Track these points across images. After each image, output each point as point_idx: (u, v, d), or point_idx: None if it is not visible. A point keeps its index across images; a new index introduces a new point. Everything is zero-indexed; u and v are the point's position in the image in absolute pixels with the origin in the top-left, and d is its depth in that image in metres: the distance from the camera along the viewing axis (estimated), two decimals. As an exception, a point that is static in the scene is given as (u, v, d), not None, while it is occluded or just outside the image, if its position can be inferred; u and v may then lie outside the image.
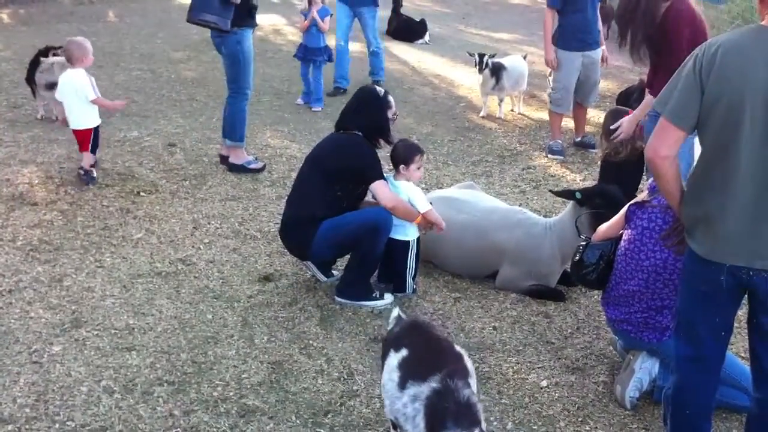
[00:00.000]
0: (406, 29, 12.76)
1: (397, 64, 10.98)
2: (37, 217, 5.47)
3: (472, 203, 4.97)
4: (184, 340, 4.04)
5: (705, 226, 2.75)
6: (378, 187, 4.40)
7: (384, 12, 12.99)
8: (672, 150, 2.75)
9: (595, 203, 4.43)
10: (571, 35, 6.88)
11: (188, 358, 3.89)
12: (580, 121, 7.46)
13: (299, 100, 8.64)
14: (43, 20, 13.10)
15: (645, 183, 5.05)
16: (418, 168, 4.56)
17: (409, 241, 4.56)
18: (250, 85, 6.32)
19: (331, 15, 8.46)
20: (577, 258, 3.75)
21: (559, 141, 7.24)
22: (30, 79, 7.54)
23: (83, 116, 6.12)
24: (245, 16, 6.06)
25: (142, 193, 5.96)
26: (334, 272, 4.73)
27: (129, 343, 4.00)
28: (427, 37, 12.71)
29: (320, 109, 8.37)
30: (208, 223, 5.50)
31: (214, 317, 4.28)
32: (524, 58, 8.68)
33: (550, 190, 5.36)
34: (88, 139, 6.14)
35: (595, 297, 4.59)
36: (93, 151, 6.20)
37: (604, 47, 7.19)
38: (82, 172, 6.11)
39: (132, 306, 4.37)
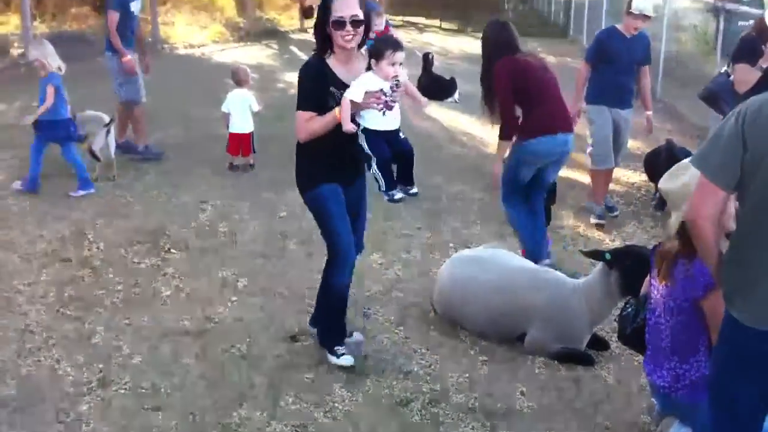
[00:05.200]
0: (436, 88, 12.84)
1: (426, 122, 11.07)
2: (68, 274, 5.54)
3: (500, 263, 4.96)
4: (210, 401, 4.03)
5: (747, 291, 2.66)
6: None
7: (414, 71, 13.18)
8: (715, 210, 2.68)
9: (624, 264, 4.38)
10: (601, 91, 6.85)
11: (213, 419, 3.88)
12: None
13: (16, 184, 7.33)
14: (80, 78, 13.41)
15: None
16: (392, 64, 4.04)
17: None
18: None
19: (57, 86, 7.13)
20: (619, 315, 3.76)
21: (603, 206, 7.00)
22: None
23: (246, 123, 8.21)
24: None
25: (172, 250, 6.03)
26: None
27: (155, 403, 4.00)
28: (456, 96, 12.80)
29: (84, 193, 7.22)
30: (237, 281, 5.53)
31: (240, 378, 4.27)
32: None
33: (579, 251, 5.32)
34: (249, 141, 8.22)
35: (625, 362, 4.52)
36: (254, 150, 8.28)
37: (650, 113, 7.09)
38: (250, 166, 8.27)
39: (159, 365, 4.38)
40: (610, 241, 6.49)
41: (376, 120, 4.08)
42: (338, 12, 3.96)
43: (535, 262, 5.26)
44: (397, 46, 4.06)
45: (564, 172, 8.47)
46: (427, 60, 13.13)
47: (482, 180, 8.22)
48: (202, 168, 8.31)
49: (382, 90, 3.98)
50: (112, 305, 5.09)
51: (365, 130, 4.15)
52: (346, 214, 4.29)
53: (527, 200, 5.73)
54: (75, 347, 4.54)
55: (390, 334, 4.84)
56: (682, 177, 3.22)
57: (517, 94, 5.35)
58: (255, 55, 17.24)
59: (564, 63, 17.86)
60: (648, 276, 3.74)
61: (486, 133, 10.31)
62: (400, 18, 25.12)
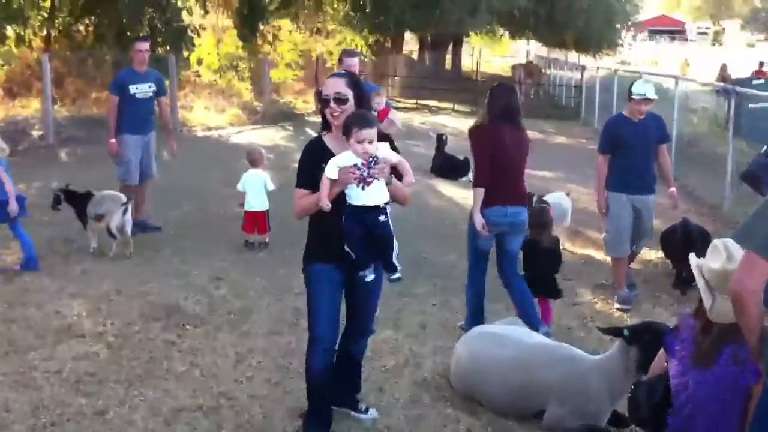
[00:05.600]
0: (450, 167, 13.03)
1: (440, 201, 11.15)
2: (83, 349, 5.52)
3: (517, 339, 4.91)
4: (223, 478, 3.96)
5: None
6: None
7: (428, 150, 13.37)
8: (760, 284, 2.68)
9: (643, 340, 4.33)
10: (620, 178, 6.82)
11: (226, 496, 3.80)
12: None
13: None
14: (99, 159, 13.63)
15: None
16: (359, 142, 3.94)
17: (379, 207, 4.05)
18: None
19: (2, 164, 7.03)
20: (629, 396, 3.69)
21: (626, 290, 6.88)
22: (81, 213, 7.87)
23: (261, 201, 8.31)
24: None
25: (187, 326, 6.02)
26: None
27: (167, 479, 3.93)
28: (470, 175, 12.92)
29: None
30: (251, 357, 5.50)
31: (253, 454, 4.21)
32: (567, 195, 8.79)
33: (597, 327, 5.27)
34: (264, 219, 8.31)
35: (647, 439, 4.42)
36: (269, 228, 8.35)
37: (673, 189, 7.07)
38: (264, 244, 8.35)
39: (172, 441, 4.32)
40: (628, 318, 6.44)
41: (357, 196, 4.01)
42: (325, 91, 4.12)
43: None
44: (362, 123, 3.96)
45: (581, 249, 8.51)
46: (440, 140, 13.36)
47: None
48: (218, 245, 8.36)
49: (356, 165, 3.96)
50: (126, 381, 5.06)
51: (348, 206, 4.05)
52: (333, 296, 4.26)
53: (499, 272, 6.01)
54: (89, 423, 4.50)
55: (406, 411, 4.77)
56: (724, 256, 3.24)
57: (492, 157, 5.68)
58: (271, 136, 17.53)
59: (578, 144, 18.10)
60: (657, 355, 3.70)
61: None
62: (413, 101, 25.57)
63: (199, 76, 22.32)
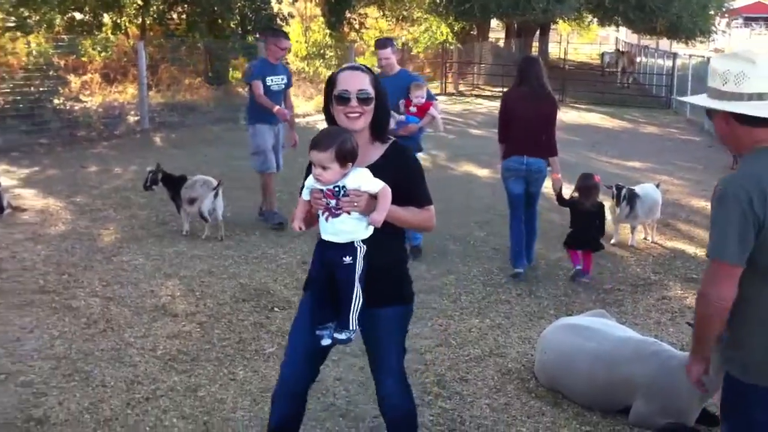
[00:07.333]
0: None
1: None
2: (176, 328, 5.72)
3: (603, 332, 4.85)
4: (310, 458, 4.06)
5: None
6: None
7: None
8: (735, 291, 2.75)
9: (735, 338, 4.23)
10: None
11: (313, 476, 3.90)
12: None
13: None
14: (192, 144, 14.05)
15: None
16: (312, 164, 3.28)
17: (353, 244, 3.29)
18: None
19: None
20: None
21: None
22: (175, 196, 8.13)
23: None
24: None
25: (275, 309, 6.16)
26: None
27: (256, 456, 4.05)
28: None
29: None
30: (337, 341, 5.59)
31: (339, 436, 4.29)
32: (657, 186, 8.60)
33: (687, 323, 5.17)
34: None
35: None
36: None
37: None
38: None
39: (261, 420, 4.44)
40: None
41: (322, 227, 3.31)
42: (343, 85, 3.31)
43: (513, 266, 7.15)
44: (314, 144, 3.20)
45: (670, 242, 8.32)
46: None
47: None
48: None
49: (322, 191, 3.24)
50: (217, 360, 5.23)
51: (318, 238, 3.39)
52: (307, 330, 3.41)
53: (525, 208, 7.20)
54: (181, 399, 4.67)
55: (489, 400, 4.78)
56: None
57: (506, 117, 6.94)
58: (356, 124, 17.66)
59: (668, 134, 17.63)
60: None
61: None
62: (499, 89, 25.34)
63: (287, 63, 22.68)
